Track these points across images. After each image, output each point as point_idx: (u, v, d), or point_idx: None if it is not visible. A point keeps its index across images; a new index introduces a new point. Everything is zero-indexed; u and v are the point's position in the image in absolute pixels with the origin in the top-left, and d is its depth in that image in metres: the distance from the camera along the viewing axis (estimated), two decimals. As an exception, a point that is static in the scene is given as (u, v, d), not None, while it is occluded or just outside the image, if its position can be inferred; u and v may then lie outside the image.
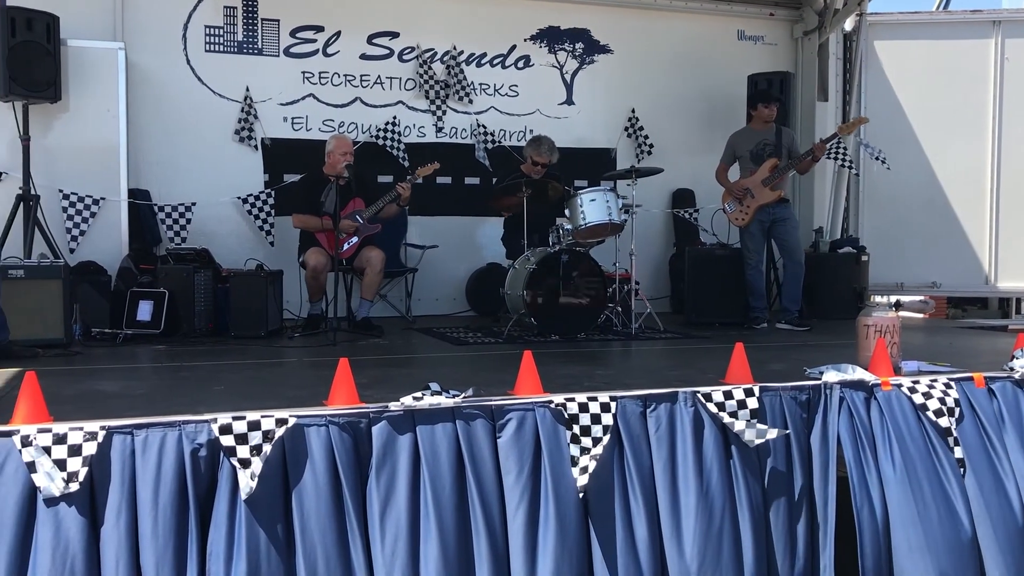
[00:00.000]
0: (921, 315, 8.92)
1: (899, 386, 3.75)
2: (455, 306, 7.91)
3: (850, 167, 8.33)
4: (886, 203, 8.51)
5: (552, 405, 3.27)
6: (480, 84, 7.99)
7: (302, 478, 2.93)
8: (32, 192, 6.11)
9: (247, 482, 2.82)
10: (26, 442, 2.71)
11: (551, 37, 8.22)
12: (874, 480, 3.56)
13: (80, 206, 6.44)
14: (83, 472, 2.71)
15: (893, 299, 8.47)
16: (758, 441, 3.41)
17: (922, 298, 9.01)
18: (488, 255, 7.77)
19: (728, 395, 3.46)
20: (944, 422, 3.69)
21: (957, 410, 3.75)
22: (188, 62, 7.22)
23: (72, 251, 6.38)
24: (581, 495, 3.19)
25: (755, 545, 3.33)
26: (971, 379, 3.90)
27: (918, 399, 3.72)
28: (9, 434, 2.72)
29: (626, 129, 8.42)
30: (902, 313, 6.89)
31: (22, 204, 6.08)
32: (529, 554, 3.09)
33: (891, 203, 8.48)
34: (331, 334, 5.70)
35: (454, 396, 3.20)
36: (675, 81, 8.49)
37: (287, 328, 6.38)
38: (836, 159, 8.25)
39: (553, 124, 8.03)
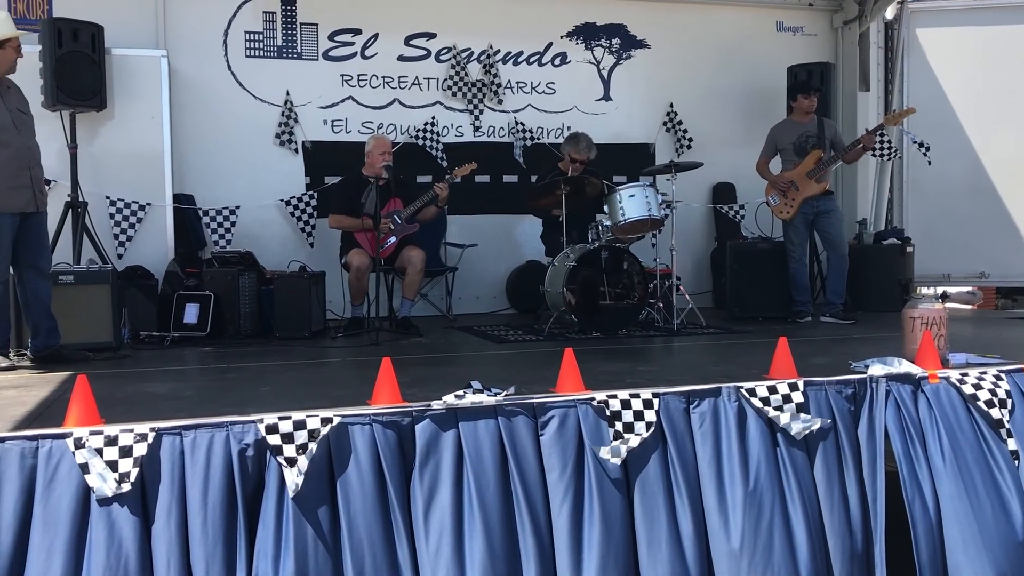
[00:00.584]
0: (969, 306, 8.76)
1: (947, 378, 3.69)
2: (496, 304, 7.93)
3: (892, 156, 8.21)
4: (931, 193, 8.37)
5: (594, 402, 3.27)
6: (517, 82, 8.00)
7: (347, 476, 2.96)
8: (80, 199, 6.23)
9: (294, 480, 2.86)
10: (79, 444, 2.77)
11: (587, 33, 8.20)
12: (924, 474, 3.51)
13: (127, 212, 6.56)
14: (134, 472, 2.77)
15: (940, 290, 8.32)
16: (803, 432, 3.37)
17: (970, 289, 8.84)
18: (528, 253, 7.78)
19: (772, 390, 3.43)
20: (996, 413, 3.62)
21: (1009, 401, 3.68)
22: (229, 67, 7.32)
23: (120, 256, 6.50)
24: (625, 492, 3.18)
25: (809, 540, 3.29)
26: (1022, 371, 3.82)
27: (967, 391, 3.66)
28: (63, 436, 2.79)
29: (664, 124, 8.38)
30: (949, 305, 6.77)
31: (71, 211, 6.21)
32: (574, 551, 3.09)
33: (936, 193, 8.34)
34: (373, 334, 5.75)
35: (496, 394, 3.21)
36: (713, 74, 8.42)
37: (330, 328, 6.45)
38: (880, 155, 8.13)
39: (591, 120, 8.02)
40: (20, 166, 4.77)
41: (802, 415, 3.40)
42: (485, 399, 3.17)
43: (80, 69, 6.21)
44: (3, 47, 4.74)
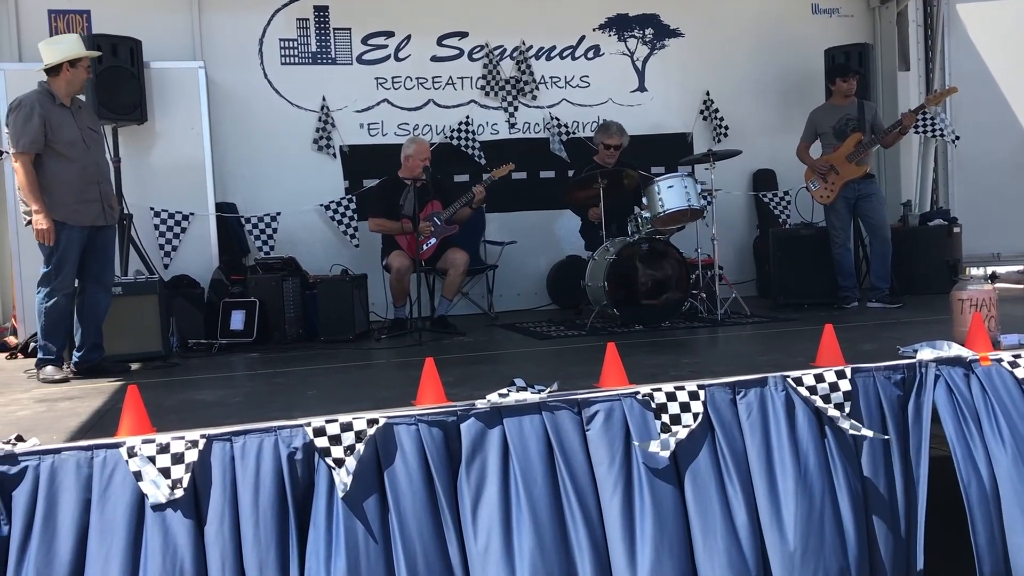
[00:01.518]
0: (1020, 286, 8.57)
1: (999, 361, 3.62)
2: (537, 300, 7.92)
3: (942, 136, 8.06)
4: (977, 171, 8.21)
5: (639, 396, 3.25)
6: (551, 77, 7.98)
7: (395, 475, 2.99)
8: (125, 211, 6.34)
9: (342, 481, 2.89)
10: (132, 453, 2.82)
11: (620, 25, 8.16)
12: (981, 456, 3.45)
13: (171, 222, 6.66)
14: (186, 479, 2.82)
15: (989, 271, 8.16)
16: (851, 433, 3.34)
17: (1020, 268, 8.65)
18: (567, 248, 7.76)
19: (819, 378, 3.39)
20: (1051, 394, 3.55)
21: (1067, 382, 3.60)
22: (265, 75, 7.39)
23: (166, 266, 6.60)
24: (676, 483, 3.17)
25: (856, 527, 3.26)
26: (1078, 349, 3.74)
27: (1021, 373, 3.58)
28: (116, 446, 2.84)
29: (701, 112, 8.30)
30: (999, 285, 6.64)
31: (117, 224, 6.31)
32: (628, 543, 3.08)
33: (982, 171, 8.18)
34: (417, 335, 5.78)
35: (540, 391, 3.21)
36: (750, 60, 8.33)
37: (374, 330, 6.49)
38: (925, 132, 7.99)
39: (626, 112, 7.97)
40: (89, 181, 4.95)
41: (852, 420, 3.35)
42: (529, 396, 3.18)
43: (121, 84, 6.32)
44: (75, 66, 4.90)
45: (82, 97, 5.12)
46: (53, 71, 4.88)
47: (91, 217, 4.95)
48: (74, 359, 5.04)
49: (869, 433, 3.34)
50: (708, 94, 8.27)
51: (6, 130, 4.92)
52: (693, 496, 3.19)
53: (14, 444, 2.83)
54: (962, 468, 3.42)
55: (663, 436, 3.18)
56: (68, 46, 4.92)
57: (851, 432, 3.34)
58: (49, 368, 4.87)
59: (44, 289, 4.86)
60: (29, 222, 4.85)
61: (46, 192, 4.80)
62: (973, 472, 3.42)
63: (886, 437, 3.40)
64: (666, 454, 3.16)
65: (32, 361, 5.54)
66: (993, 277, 7.58)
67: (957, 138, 7.93)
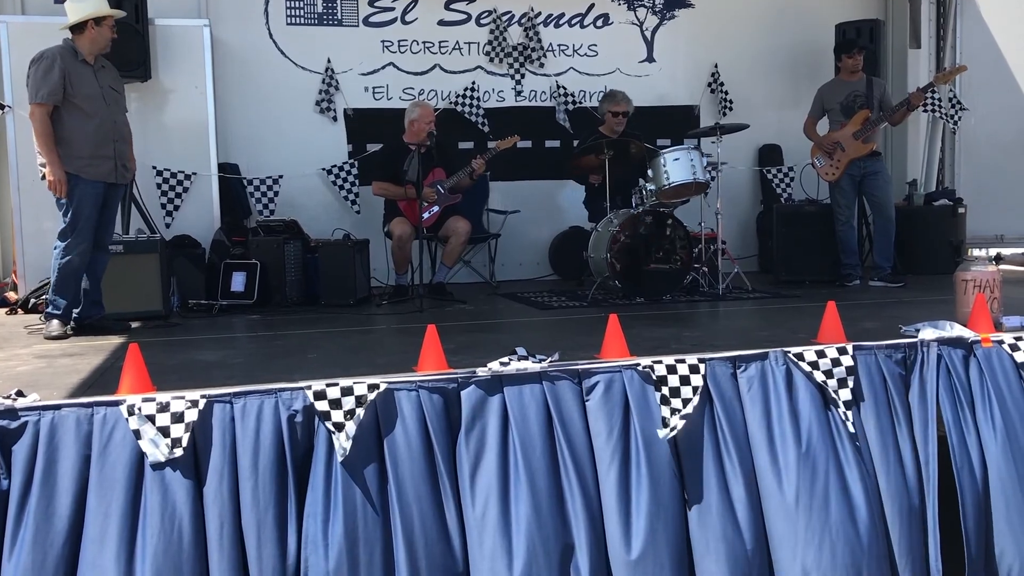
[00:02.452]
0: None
1: (1000, 343, 3.62)
2: (538, 270, 7.91)
3: (948, 119, 8.01)
4: (984, 152, 8.17)
5: (639, 367, 3.25)
6: (558, 45, 7.90)
7: (395, 441, 2.99)
8: (131, 170, 6.30)
9: (342, 445, 2.90)
10: (132, 411, 2.82)
11: (630, -7, 8.08)
12: (973, 441, 3.45)
13: (173, 182, 6.62)
14: (186, 438, 2.82)
15: (993, 252, 8.14)
16: (845, 397, 3.32)
17: (1024, 250, 8.64)
18: (570, 218, 7.73)
19: (821, 354, 3.38)
20: (1051, 379, 3.55)
21: (1067, 367, 3.60)
22: (270, 35, 7.32)
23: (167, 226, 6.58)
24: (673, 456, 3.17)
25: (867, 500, 3.24)
26: (1080, 334, 3.73)
27: (1020, 357, 3.58)
28: (116, 404, 2.84)
29: (709, 85, 8.24)
30: (1003, 266, 6.62)
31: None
32: (623, 514, 3.09)
33: (990, 152, 8.14)
34: (418, 301, 5.78)
35: (540, 361, 3.21)
36: (759, 33, 8.25)
37: (375, 296, 6.49)
38: (932, 111, 7.94)
39: (634, 83, 7.90)
40: (105, 137, 4.97)
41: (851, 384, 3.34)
42: (530, 365, 3.18)
43: (124, 40, 6.24)
44: (99, 24, 4.91)
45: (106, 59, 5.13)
46: (78, 29, 4.89)
47: (104, 173, 4.97)
48: (73, 316, 5.04)
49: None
50: (716, 67, 8.20)
51: (12, 84, 4.91)
52: (689, 470, 3.19)
53: (14, 399, 2.83)
54: (956, 453, 3.42)
55: (671, 419, 3.16)
56: (93, 4, 4.92)
57: (843, 410, 3.33)
58: (55, 323, 4.89)
59: (61, 244, 4.89)
60: (45, 175, 4.86)
61: (61, 144, 4.82)
62: (966, 457, 3.42)
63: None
64: (672, 434, 3.16)
65: (32, 318, 5.56)
66: (998, 258, 7.56)
67: (957, 122, 7.88)
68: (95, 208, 4.94)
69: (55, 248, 4.91)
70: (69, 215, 4.86)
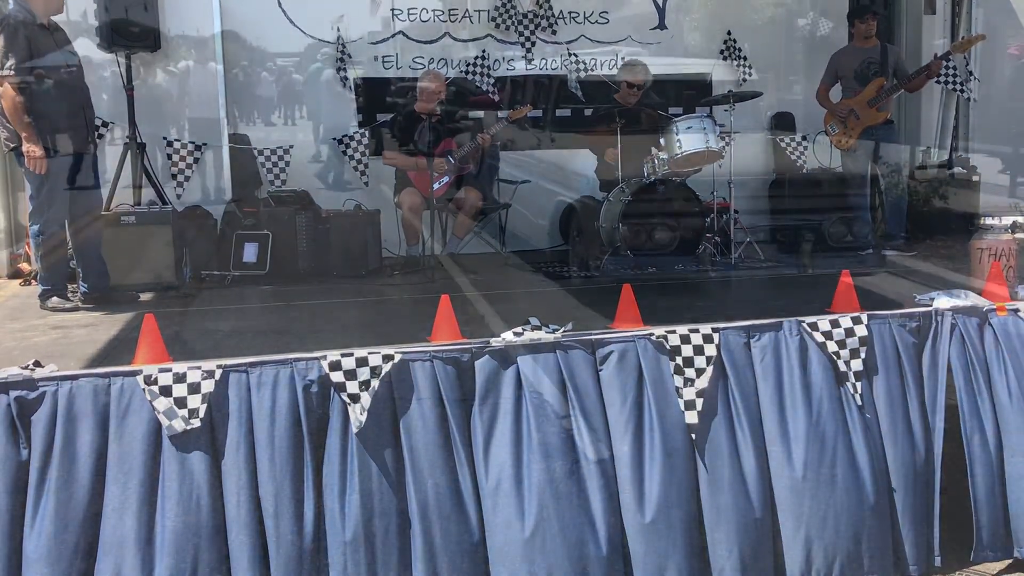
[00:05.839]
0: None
1: (1016, 311, 3.60)
2: (550, 241, 7.87)
3: (962, 91, 7.93)
4: (1000, 119, 8.09)
5: (653, 337, 3.25)
6: (569, 12, 7.82)
7: (410, 412, 3.00)
8: (139, 140, 6.30)
9: (357, 417, 2.91)
10: (149, 381, 2.84)
11: (641, -41, 7.98)
12: (987, 408, 3.45)
13: (184, 152, 6.62)
14: (203, 409, 2.83)
15: (1009, 220, 8.08)
16: (856, 367, 3.33)
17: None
18: (582, 188, 7.69)
19: (835, 323, 3.38)
20: (1068, 346, 3.53)
21: (1082, 335, 3.58)
22: (280, 4, 7.27)
23: (179, 197, 6.58)
24: (686, 425, 3.18)
25: (872, 470, 3.26)
26: (1096, 303, 3.71)
27: (1035, 324, 3.57)
28: (133, 374, 2.86)
29: (722, 52, 8.14)
30: (1018, 235, 6.57)
31: (129, 153, 6.28)
32: (637, 483, 3.11)
33: (1005, 119, 8.06)
34: (430, 272, 5.78)
35: (554, 331, 3.21)
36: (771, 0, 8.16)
37: (386, 267, 6.49)
38: (946, 83, 7.85)
39: (646, 51, 7.81)
40: (75, 106, 4.86)
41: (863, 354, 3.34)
42: (544, 336, 3.18)
43: (133, 10, 6.21)
44: None
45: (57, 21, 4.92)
46: None
47: (77, 144, 4.84)
48: (82, 289, 5.03)
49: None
50: (729, 33, 8.11)
51: None
52: (701, 439, 3.20)
53: (32, 369, 2.85)
54: (967, 420, 3.42)
55: (686, 391, 3.17)
56: None
57: (854, 380, 3.33)
58: (55, 299, 4.86)
59: (38, 222, 4.76)
60: (12, 149, 4.64)
61: (34, 119, 4.61)
62: (976, 425, 3.43)
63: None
64: (691, 412, 3.17)
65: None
66: (1013, 227, 7.50)
67: (970, 94, 7.80)
68: (69, 183, 4.79)
69: (31, 226, 4.76)
70: (44, 192, 4.68)
